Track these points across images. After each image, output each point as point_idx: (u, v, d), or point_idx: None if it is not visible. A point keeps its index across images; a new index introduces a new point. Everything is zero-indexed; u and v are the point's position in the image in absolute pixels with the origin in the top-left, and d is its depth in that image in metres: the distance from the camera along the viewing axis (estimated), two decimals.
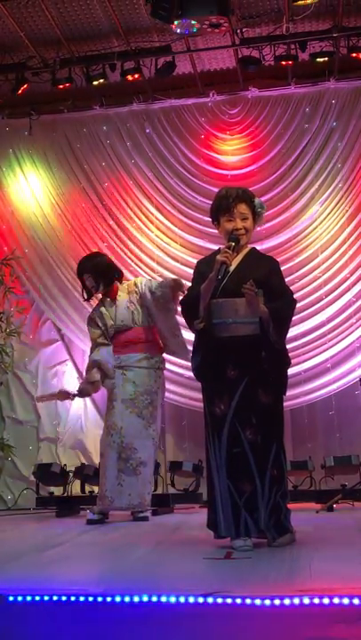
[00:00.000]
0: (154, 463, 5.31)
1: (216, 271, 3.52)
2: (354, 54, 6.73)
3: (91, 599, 2.29)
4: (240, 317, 3.58)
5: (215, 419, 3.56)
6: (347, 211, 7.14)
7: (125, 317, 5.26)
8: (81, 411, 7.33)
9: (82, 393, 5.43)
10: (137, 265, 7.36)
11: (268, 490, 3.50)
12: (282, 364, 3.69)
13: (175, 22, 6.07)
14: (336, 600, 2.16)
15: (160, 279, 6.06)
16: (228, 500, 3.48)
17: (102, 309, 5.35)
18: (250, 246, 3.84)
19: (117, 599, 2.28)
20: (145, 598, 2.26)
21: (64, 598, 2.31)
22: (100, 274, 5.31)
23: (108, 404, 5.30)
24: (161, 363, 5.31)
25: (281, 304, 3.65)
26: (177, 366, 6.94)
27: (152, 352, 5.24)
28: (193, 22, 6.14)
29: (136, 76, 6.98)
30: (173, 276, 5.87)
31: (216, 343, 3.59)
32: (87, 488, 6.41)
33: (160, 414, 5.35)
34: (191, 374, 6.19)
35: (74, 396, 5.50)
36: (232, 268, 3.68)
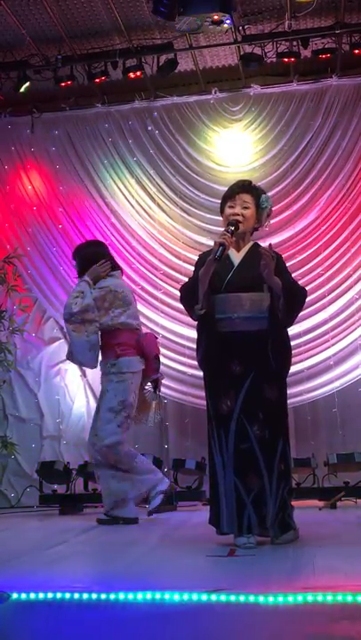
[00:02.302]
0: (98, 467, 5.06)
1: (214, 252, 3.52)
2: (356, 51, 6.70)
3: (94, 596, 2.29)
4: (246, 312, 3.58)
5: (221, 415, 3.56)
6: (349, 208, 7.12)
7: None
8: (84, 408, 7.33)
9: None
10: (139, 263, 7.36)
11: (276, 485, 3.50)
12: (286, 351, 3.69)
13: (177, 19, 6.06)
14: (340, 597, 2.16)
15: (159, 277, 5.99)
16: (233, 497, 3.48)
17: None
18: (252, 241, 3.84)
19: (121, 597, 2.28)
20: (148, 596, 2.26)
21: (67, 596, 2.31)
22: (82, 266, 5.24)
23: None
24: (111, 367, 5.05)
25: (295, 286, 3.69)
26: (179, 364, 6.95)
27: (104, 356, 5.15)
28: (196, 20, 6.13)
29: (138, 73, 6.96)
30: None
31: (220, 338, 3.58)
32: (90, 486, 6.41)
33: (110, 422, 4.94)
34: (194, 372, 6.18)
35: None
36: (236, 262, 3.68)
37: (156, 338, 5.40)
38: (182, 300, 3.81)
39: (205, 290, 3.59)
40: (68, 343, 5.41)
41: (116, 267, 5.37)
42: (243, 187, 3.77)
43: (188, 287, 3.75)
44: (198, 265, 3.72)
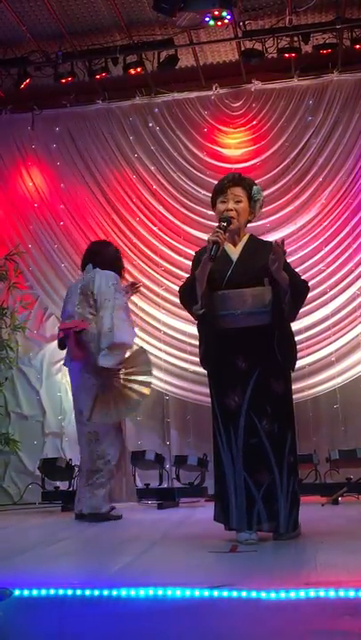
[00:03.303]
0: None
1: (208, 251, 3.49)
2: (357, 46, 6.69)
3: (96, 593, 2.29)
4: (249, 308, 3.56)
5: (229, 411, 3.55)
6: (351, 204, 7.11)
7: None
8: None
9: None
10: (140, 259, 7.35)
11: (287, 479, 3.50)
12: (292, 346, 3.69)
13: (177, 15, 6.05)
14: (342, 592, 2.16)
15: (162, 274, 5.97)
16: (243, 492, 3.47)
17: None
18: (248, 233, 3.81)
19: (123, 593, 2.28)
20: (150, 592, 2.26)
21: (69, 592, 2.31)
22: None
23: None
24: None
25: (297, 279, 3.67)
26: (181, 360, 6.94)
27: None
28: (197, 15, 6.12)
29: (138, 69, 6.95)
30: None
31: (224, 334, 3.57)
32: None
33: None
34: (195, 368, 6.14)
35: None
36: (234, 258, 3.66)
37: (71, 327, 5.03)
38: (182, 301, 3.80)
39: (204, 289, 3.58)
40: None
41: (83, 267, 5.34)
42: (233, 180, 3.71)
43: (185, 288, 3.73)
44: (195, 263, 3.70)
